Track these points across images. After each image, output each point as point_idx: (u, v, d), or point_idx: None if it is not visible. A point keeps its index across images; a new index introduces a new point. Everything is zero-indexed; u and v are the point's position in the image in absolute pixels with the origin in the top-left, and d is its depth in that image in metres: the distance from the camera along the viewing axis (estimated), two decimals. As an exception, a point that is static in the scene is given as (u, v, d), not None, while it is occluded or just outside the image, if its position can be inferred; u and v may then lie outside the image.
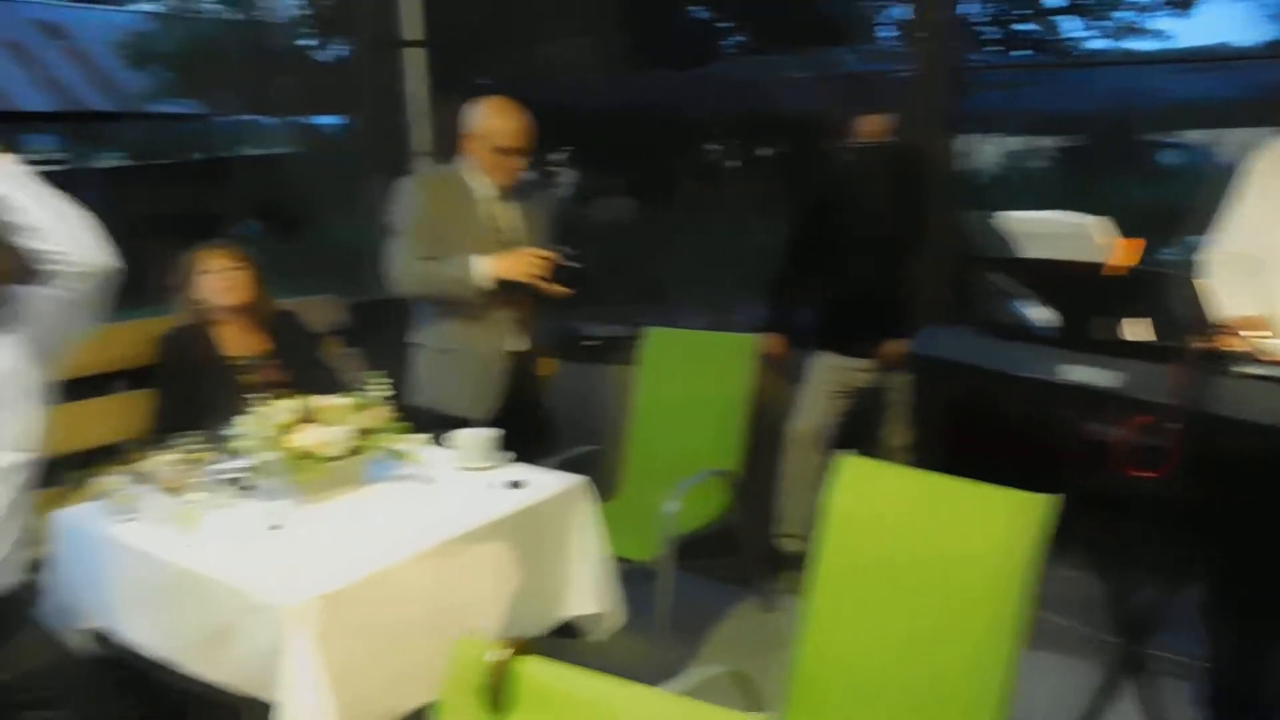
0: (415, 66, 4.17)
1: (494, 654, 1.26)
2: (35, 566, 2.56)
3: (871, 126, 3.44)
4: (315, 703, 1.87)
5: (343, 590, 1.94)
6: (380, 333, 3.70)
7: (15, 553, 1.99)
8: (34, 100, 14.64)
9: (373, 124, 4.38)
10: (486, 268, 2.91)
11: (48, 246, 1.88)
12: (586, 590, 2.50)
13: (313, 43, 12.33)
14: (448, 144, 4.04)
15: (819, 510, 2.06)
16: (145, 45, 14.73)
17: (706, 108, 6.76)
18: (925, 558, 1.93)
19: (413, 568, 2.09)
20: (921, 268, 3.43)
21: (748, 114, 6.87)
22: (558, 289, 2.94)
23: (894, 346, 3.38)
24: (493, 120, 2.97)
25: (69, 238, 1.89)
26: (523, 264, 2.91)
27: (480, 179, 3.03)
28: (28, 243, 1.89)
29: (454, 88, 3.90)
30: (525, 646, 1.29)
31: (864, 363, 3.53)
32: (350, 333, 3.85)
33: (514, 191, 3.08)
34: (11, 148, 1.94)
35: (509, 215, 3.09)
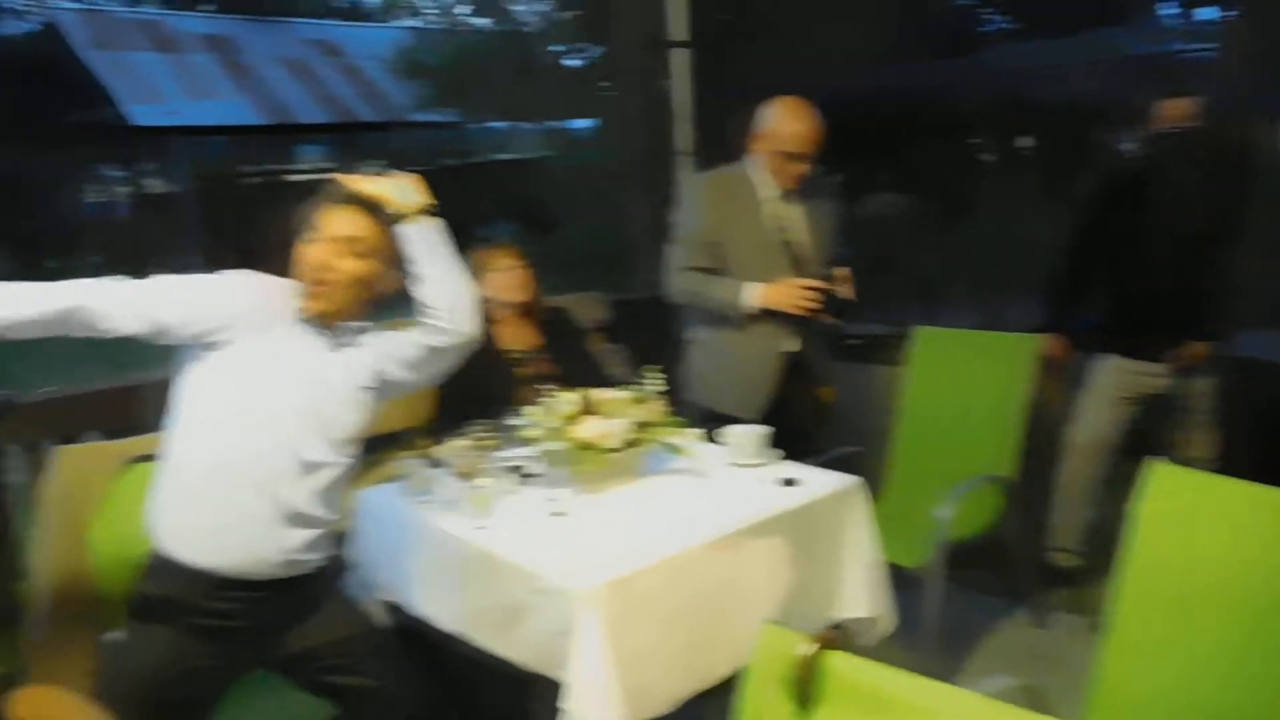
0: (678, 67, 4.27)
1: (804, 646, 1.27)
2: (340, 541, 2.84)
3: (1175, 112, 3.18)
4: (601, 683, 1.96)
5: (630, 576, 2.02)
6: (643, 329, 3.83)
7: (331, 532, 2.20)
8: (311, 113, 16.16)
9: (635, 126, 4.52)
10: (754, 296, 2.99)
11: (430, 302, 2.09)
12: (859, 592, 2.49)
13: (564, 49, 12.89)
14: (710, 144, 4.12)
15: (1101, 522, 1.94)
16: (410, 59, 15.93)
17: (968, 98, 6.52)
18: (1249, 574, 1.78)
19: (695, 558, 2.15)
20: (1239, 265, 3.14)
21: (1010, 103, 6.57)
22: (826, 317, 2.98)
23: (1196, 349, 3.13)
24: (783, 123, 3.00)
25: (451, 300, 2.10)
26: (791, 295, 2.96)
27: (765, 179, 3.08)
28: (414, 287, 2.11)
29: (718, 87, 3.98)
30: (834, 641, 1.29)
31: (1157, 367, 3.28)
32: (613, 329, 4.00)
33: (798, 192, 3.10)
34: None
35: (792, 216, 3.12)
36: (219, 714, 2.14)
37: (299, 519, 2.06)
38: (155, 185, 18.77)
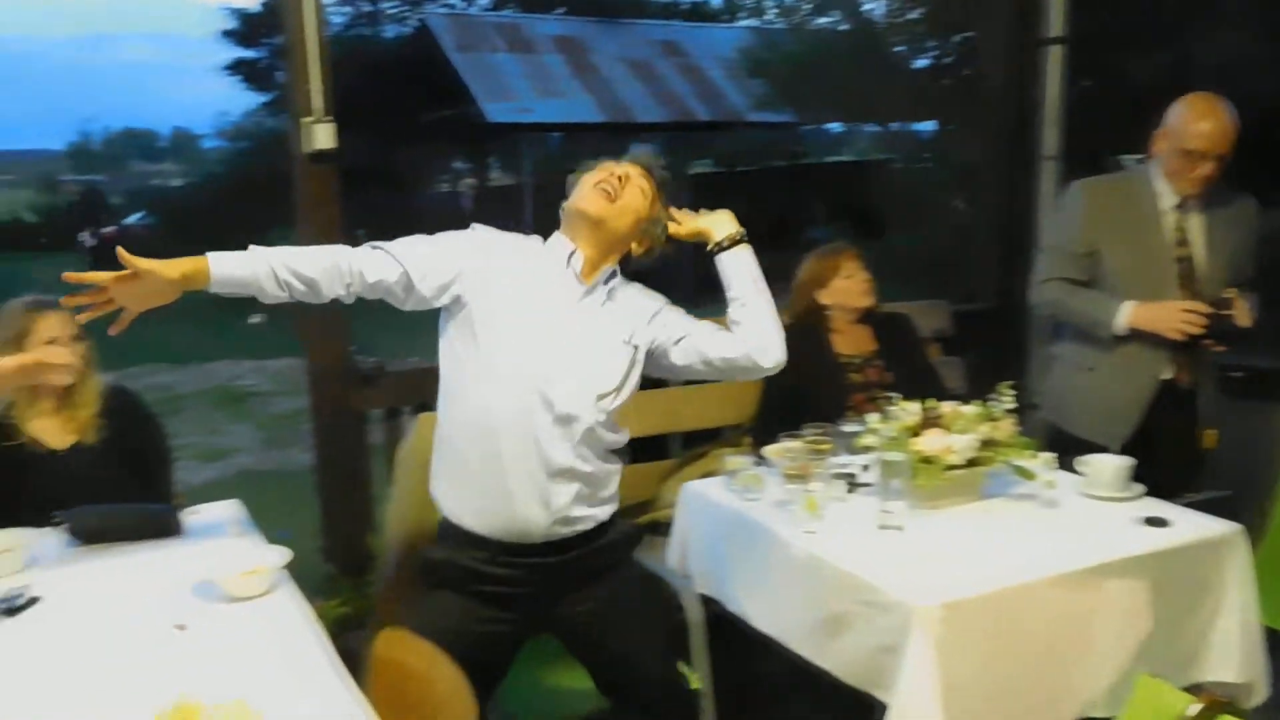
0: (1051, 65, 4.05)
1: (1193, 706, 1.17)
2: (657, 529, 2.96)
3: None
4: (925, 707, 1.90)
5: (969, 600, 1.95)
6: (986, 341, 3.68)
7: (608, 492, 2.16)
8: (649, 112, 16.90)
9: (991, 128, 4.33)
10: (1129, 316, 2.79)
11: (742, 329, 2.11)
12: (1229, 654, 2.24)
13: (910, 48, 12.60)
14: (1079, 148, 3.87)
15: None
16: (750, 58, 16.22)
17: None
18: None
19: (1039, 591, 2.03)
20: None
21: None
22: (1213, 346, 2.74)
23: None
24: (1186, 119, 2.76)
25: (761, 332, 2.10)
26: (1171, 319, 2.73)
27: (1163, 185, 2.86)
28: (730, 311, 2.13)
29: (1094, 88, 3.73)
30: (1224, 704, 1.18)
31: None
32: (952, 340, 3.87)
33: (1200, 200, 2.85)
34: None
35: (1191, 228, 2.88)
36: (509, 677, 2.23)
37: (564, 474, 2.03)
38: (498, 178, 20.51)
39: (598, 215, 2.09)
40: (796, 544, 2.28)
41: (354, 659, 1.78)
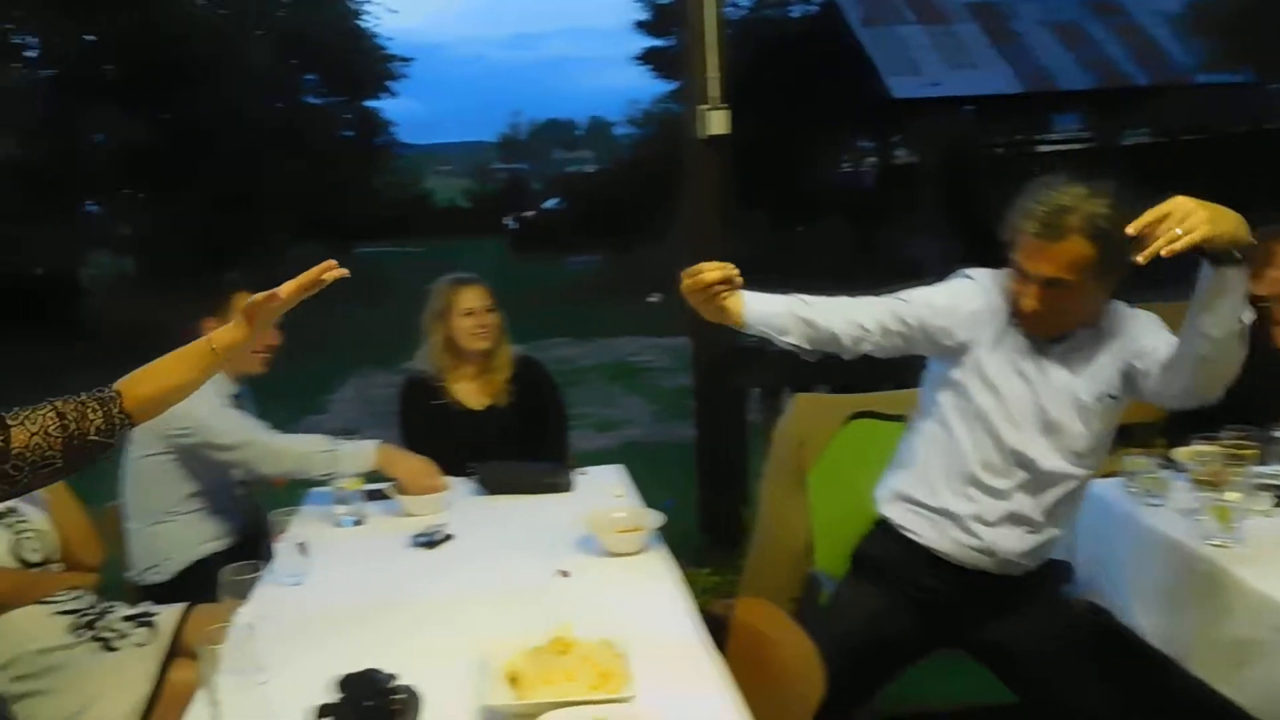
0: None
1: None
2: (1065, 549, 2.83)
3: None
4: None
5: None
6: None
7: (1053, 541, 2.19)
8: (1073, 79, 15.75)
9: None
10: None
11: (1198, 359, 1.92)
12: None
13: None
14: None
15: None
16: (1200, 11, 14.56)
17: None
18: None
19: None
20: None
21: None
22: None
23: None
24: None
25: (1225, 376, 1.96)
26: None
27: None
28: (1192, 322, 1.93)
29: None
30: None
31: None
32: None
33: None
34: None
35: None
36: (899, 685, 2.29)
37: (1020, 521, 2.11)
38: (901, 156, 20.14)
39: (1032, 320, 2.06)
40: (1201, 556, 2.11)
41: (718, 624, 1.93)
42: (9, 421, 1.56)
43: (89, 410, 1.62)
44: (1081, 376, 2.08)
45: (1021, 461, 2.08)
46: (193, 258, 12.79)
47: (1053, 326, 2.06)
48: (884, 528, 2.24)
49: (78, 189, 13.83)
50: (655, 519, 2.30)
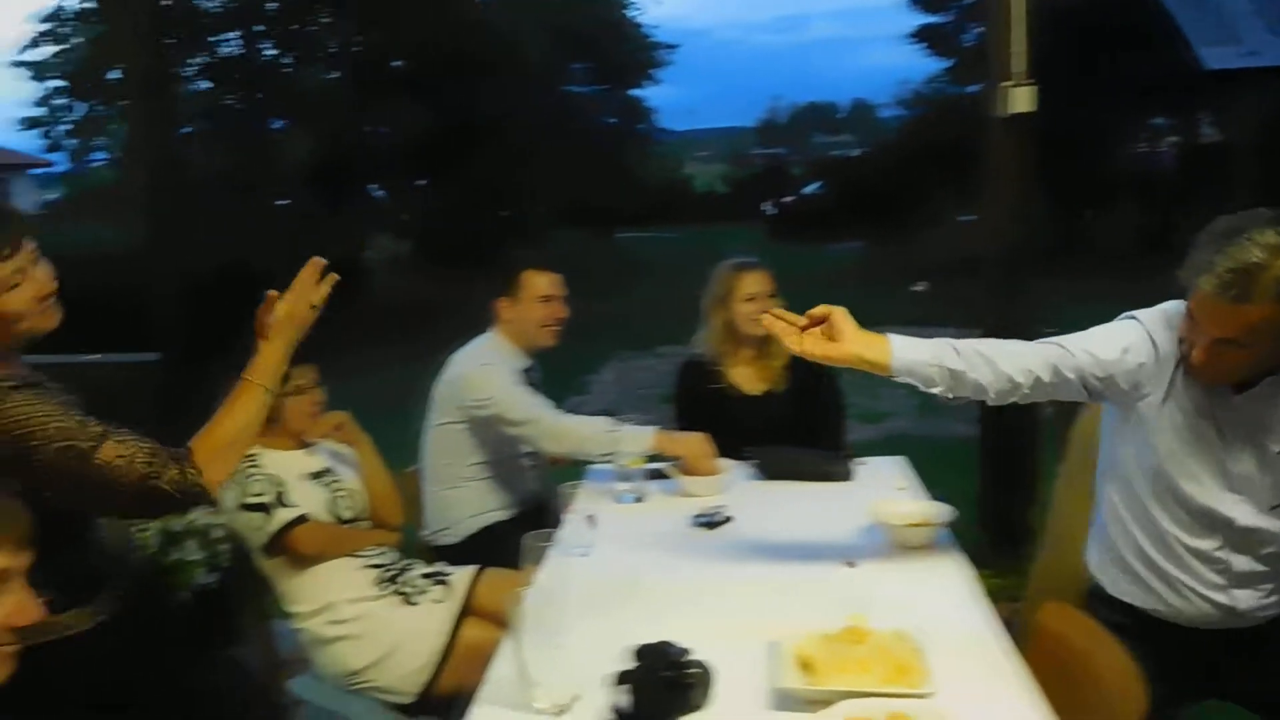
0: None
1: None
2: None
3: None
4: None
5: None
6: None
7: None
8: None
9: None
10: None
11: None
12: None
13: None
14: None
15: None
16: None
17: None
18: None
19: None
20: None
21: None
22: None
23: None
24: None
25: None
26: None
27: None
28: None
29: None
30: None
31: None
32: None
33: None
34: None
35: None
36: None
37: (1250, 579, 1.91)
38: (1208, 135, 18.53)
39: (1204, 373, 1.84)
40: None
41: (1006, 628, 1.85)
42: (109, 433, 1.62)
43: (169, 461, 1.65)
44: (1269, 426, 1.84)
45: (1214, 521, 1.87)
46: (464, 242, 13.62)
47: (1227, 378, 1.84)
48: (1096, 590, 2.06)
49: (364, 177, 15.02)
50: (946, 513, 2.25)
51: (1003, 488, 3.53)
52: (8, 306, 1.69)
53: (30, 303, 1.71)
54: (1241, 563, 1.89)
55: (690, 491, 2.64)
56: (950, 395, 1.93)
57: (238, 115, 13.81)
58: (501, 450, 2.97)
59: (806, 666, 1.60)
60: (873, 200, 18.41)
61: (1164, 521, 1.92)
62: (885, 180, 18.61)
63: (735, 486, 2.69)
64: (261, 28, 14.42)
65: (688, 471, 2.70)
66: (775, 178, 28.88)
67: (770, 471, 2.78)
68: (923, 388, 1.91)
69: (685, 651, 1.58)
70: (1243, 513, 1.87)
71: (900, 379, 1.91)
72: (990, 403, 1.96)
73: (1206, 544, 1.89)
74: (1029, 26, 3.15)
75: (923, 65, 22.89)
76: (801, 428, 3.05)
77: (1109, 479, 2.03)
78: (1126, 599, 2.01)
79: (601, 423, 2.82)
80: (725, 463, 2.75)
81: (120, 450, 1.61)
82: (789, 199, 26.96)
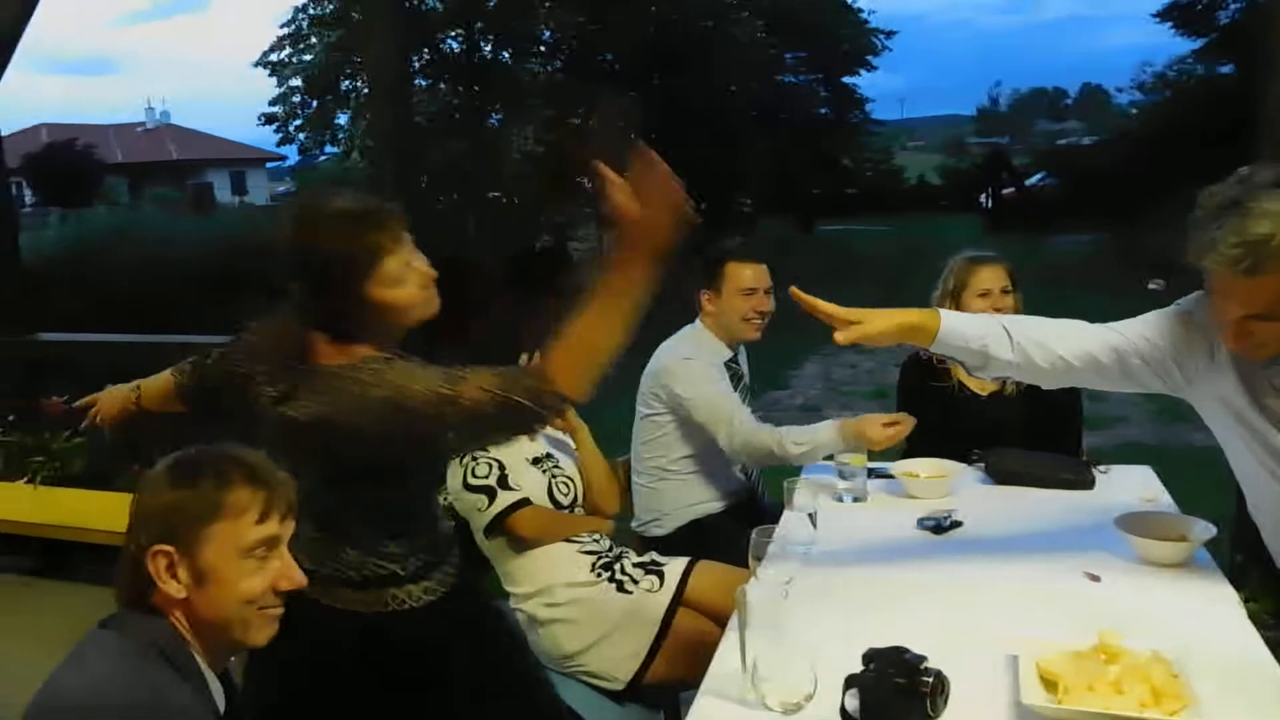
0: None
1: None
2: None
3: None
4: None
5: None
6: None
7: None
8: None
9: None
10: None
11: None
12: None
13: None
14: None
15: None
16: None
17: None
18: None
19: None
20: None
21: None
22: None
23: None
24: None
25: None
26: None
27: None
28: None
29: None
30: None
31: None
32: None
33: None
34: None
35: None
36: None
37: None
38: None
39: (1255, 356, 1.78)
40: None
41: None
42: (465, 375, 1.68)
43: (520, 376, 1.69)
44: None
45: None
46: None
47: (1272, 350, 1.75)
48: None
49: (575, 169, 15.38)
50: (1205, 530, 2.09)
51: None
52: (398, 299, 1.78)
53: (417, 292, 1.81)
54: None
55: (914, 494, 2.56)
56: (1001, 375, 1.95)
57: (457, 111, 14.39)
58: (709, 443, 2.97)
59: (1052, 683, 1.53)
60: (1106, 191, 17.43)
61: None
62: (1119, 169, 17.59)
63: (962, 490, 2.59)
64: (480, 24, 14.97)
65: (871, 442, 2.61)
66: (995, 167, 27.72)
67: (1002, 476, 2.65)
68: (970, 368, 1.94)
69: (923, 658, 1.53)
70: None
71: (944, 353, 1.92)
72: (1046, 386, 1.99)
73: None
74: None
75: (1168, 46, 21.53)
76: (1033, 431, 2.91)
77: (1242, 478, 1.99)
78: None
79: (789, 434, 2.77)
80: (952, 465, 2.66)
81: (479, 383, 1.66)
82: (1009, 190, 25.90)
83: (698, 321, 3.05)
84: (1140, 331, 1.91)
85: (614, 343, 1.69)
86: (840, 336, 1.88)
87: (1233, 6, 18.77)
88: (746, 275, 2.97)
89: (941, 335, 1.87)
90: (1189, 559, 2.06)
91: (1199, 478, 3.46)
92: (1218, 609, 1.90)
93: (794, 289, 1.94)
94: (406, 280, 1.78)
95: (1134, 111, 24.30)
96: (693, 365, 2.93)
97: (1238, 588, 2.07)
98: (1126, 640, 1.59)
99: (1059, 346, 1.90)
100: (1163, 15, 19.97)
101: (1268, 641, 1.78)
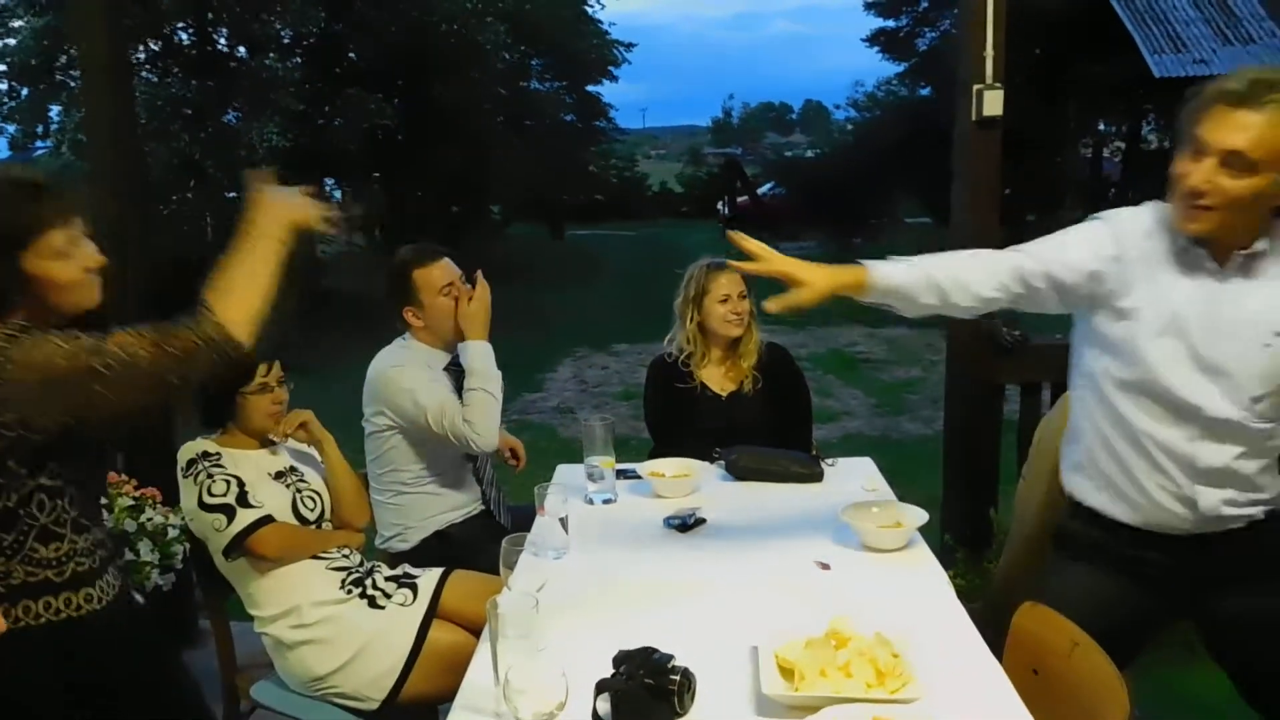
0: None
1: None
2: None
3: None
4: None
5: None
6: None
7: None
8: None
9: None
10: None
11: None
12: None
13: None
14: None
15: None
16: None
17: None
18: None
19: None
20: None
21: None
22: None
23: None
24: None
25: None
26: None
27: None
28: None
29: None
30: None
31: None
32: None
33: None
34: None
35: None
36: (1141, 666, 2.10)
37: (1214, 477, 1.90)
38: (1152, 141, 18.85)
39: (1192, 233, 1.86)
40: None
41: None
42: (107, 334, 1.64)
43: (175, 324, 1.67)
44: (1256, 312, 1.84)
45: (1184, 411, 1.87)
46: (417, 236, 13.47)
47: (1220, 224, 1.80)
48: (1074, 506, 2.08)
49: (321, 170, 14.80)
50: (918, 516, 2.25)
51: (965, 488, 3.54)
52: (58, 275, 1.71)
53: (79, 273, 1.74)
54: (1208, 455, 1.88)
55: (661, 492, 2.61)
56: (937, 304, 1.99)
57: (189, 105, 13.55)
58: (440, 453, 2.86)
59: (789, 671, 1.59)
60: (829, 201, 18.52)
61: (1135, 419, 1.92)
62: (841, 181, 18.73)
63: (705, 488, 2.67)
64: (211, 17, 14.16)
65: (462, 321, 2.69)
66: (730, 177, 28.87)
67: (741, 472, 2.76)
68: (898, 309, 2.00)
69: (670, 657, 1.56)
70: (1215, 403, 1.86)
71: (876, 302, 1.99)
72: (965, 318, 2.08)
73: (1177, 434, 1.89)
74: (999, 34, 3.17)
75: (877, 68, 23.16)
76: (770, 427, 3.04)
77: (1081, 386, 2.04)
78: (1097, 507, 2.02)
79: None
80: (695, 463, 2.73)
81: (124, 337, 1.62)
82: (743, 199, 27.01)
83: (407, 335, 2.93)
84: (1051, 253, 1.97)
85: (265, 282, 1.76)
86: (771, 305, 1.94)
87: (929, 35, 20.47)
88: (436, 275, 2.83)
89: (869, 288, 1.95)
90: (906, 544, 2.20)
91: (912, 466, 3.76)
92: (931, 586, 2.05)
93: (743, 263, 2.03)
94: (69, 258, 1.72)
95: (849, 127, 25.98)
96: (405, 370, 2.82)
97: (946, 566, 2.25)
98: (855, 624, 1.67)
99: (977, 286, 1.97)
100: (871, 40, 21.51)
101: (971, 614, 1.93)
